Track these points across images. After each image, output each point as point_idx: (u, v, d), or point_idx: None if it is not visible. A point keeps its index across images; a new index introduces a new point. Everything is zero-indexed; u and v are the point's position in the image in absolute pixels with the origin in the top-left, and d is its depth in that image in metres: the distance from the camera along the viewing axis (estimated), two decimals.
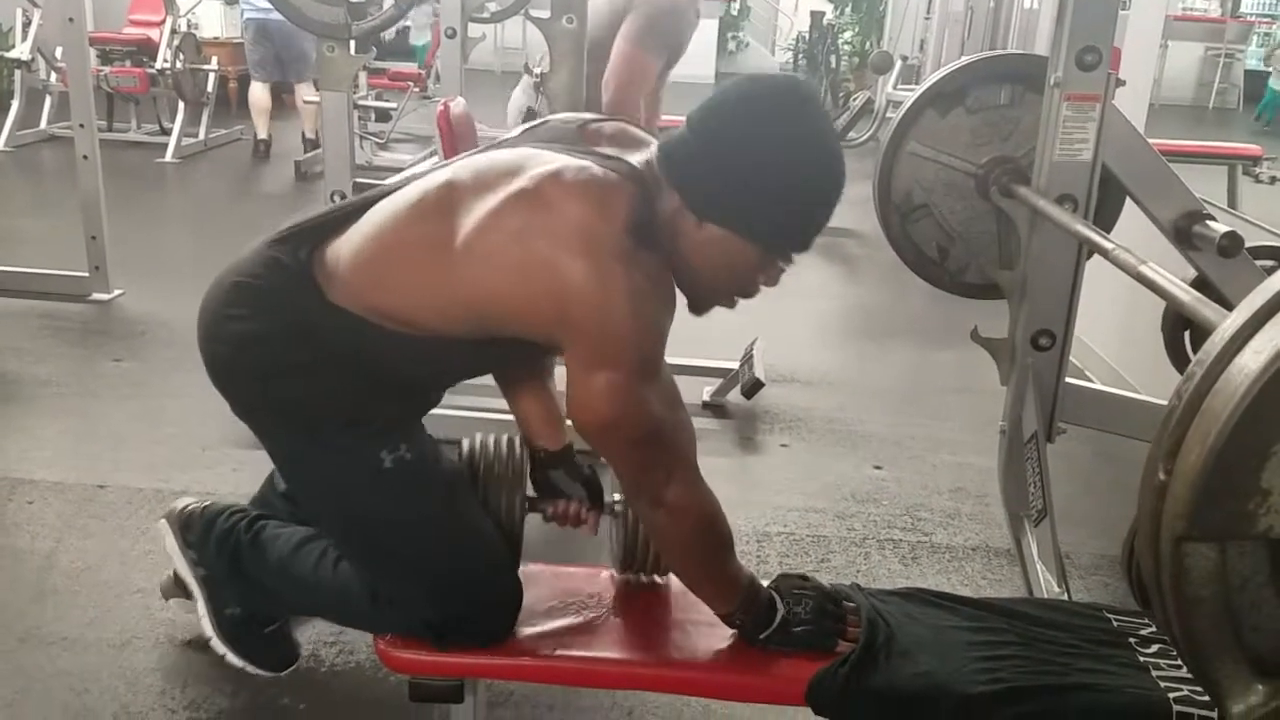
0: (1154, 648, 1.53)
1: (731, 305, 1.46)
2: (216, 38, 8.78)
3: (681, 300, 1.44)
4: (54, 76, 6.89)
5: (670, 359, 3.86)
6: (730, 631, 1.52)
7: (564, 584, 1.64)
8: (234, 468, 2.72)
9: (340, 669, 1.99)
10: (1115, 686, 1.44)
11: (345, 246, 1.44)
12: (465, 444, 1.62)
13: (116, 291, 4.03)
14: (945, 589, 2.00)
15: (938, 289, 2.56)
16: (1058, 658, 1.50)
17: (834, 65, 9.37)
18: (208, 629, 1.84)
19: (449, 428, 1.90)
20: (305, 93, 6.60)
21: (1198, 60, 12.94)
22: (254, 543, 1.75)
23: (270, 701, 1.89)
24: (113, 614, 2.13)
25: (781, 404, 3.39)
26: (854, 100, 7.41)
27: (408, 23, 9.23)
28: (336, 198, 2.74)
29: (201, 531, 1.83)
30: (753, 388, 3.25)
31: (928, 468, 3.03)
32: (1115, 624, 1.60)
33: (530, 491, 1.70)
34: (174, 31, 7.00)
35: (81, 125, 3.85)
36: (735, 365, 3.39)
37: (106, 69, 6.86)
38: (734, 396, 3.35)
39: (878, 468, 3.02)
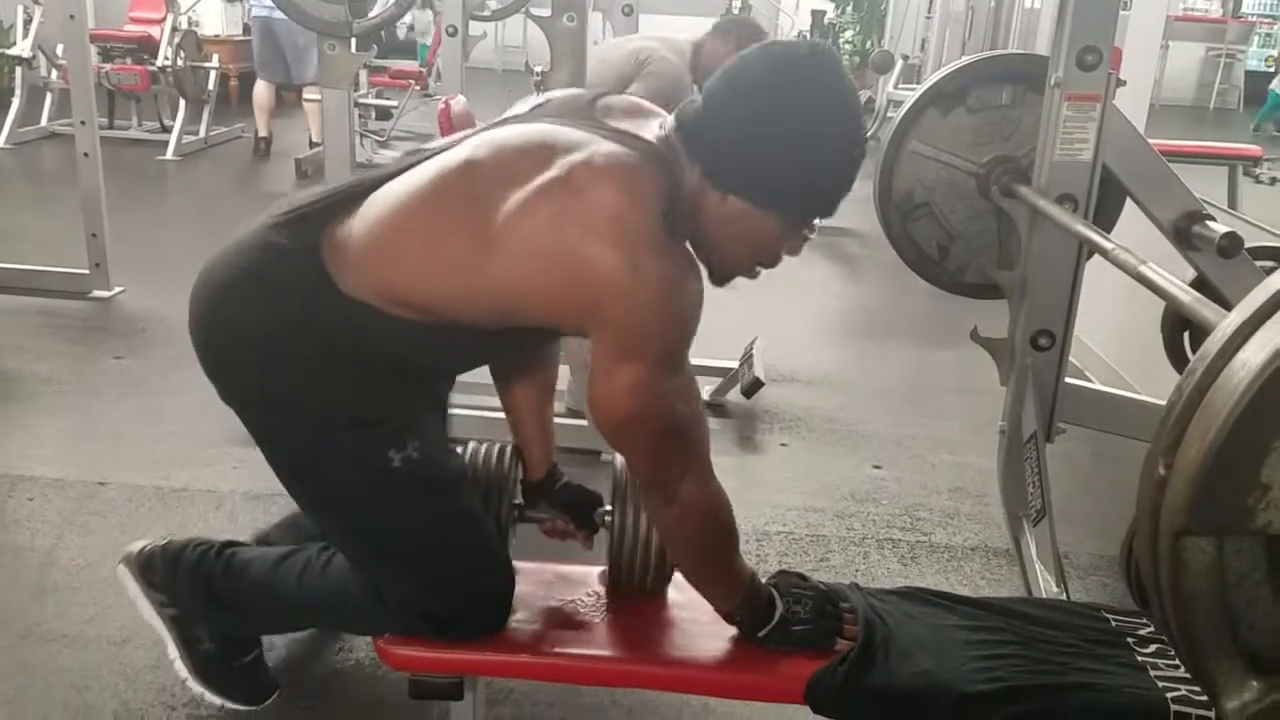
0: (1152, 648, 1.53)
1: (754, 275, 1.44)
2: (217, 35, 8.78)
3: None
4: (55, 74, 6.88)
5: None
6: (730, 630, 1.52)
7: (564, 582, 1.64)
8: (234, 465, 2.72)
9: (340, 666, 1.99)
10: (1113, 686, 1.44)
11: (356, 230, 1.38)
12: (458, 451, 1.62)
13: (117, 289, 4.03)
14: (944, 589, 2.00)
15: (937, 288, 2.56)
16: (1056, 657, 1.50)
17: None
18: (182, 670, 1.76)
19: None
20: (311, 93, 6.60)
21: (1199, 61, 12.94)
22: (227, 570, 1.69)
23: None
24: (113, 611, 2.13)
25: (781, 403, 3.40)
26: None
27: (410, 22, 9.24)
28: None
29: (167, 570, 1.74)
30: (752, 387, 3.25)
31: (927, 467, 3.03)
32: (1113, 624, 1.60)
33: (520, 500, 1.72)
34: (175, 29, 7.00)
35: (83, 122, 3.86)
36: (735, 364, 3.39)
37: (107, 66, 6.85)
38: (734, 396, 3.35)
39: (877, 467, 3.02)
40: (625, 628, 1.55)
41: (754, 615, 1.50)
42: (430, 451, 1.46)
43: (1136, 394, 2.30)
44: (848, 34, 11.65)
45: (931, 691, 1.43)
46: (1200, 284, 1.90)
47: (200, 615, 1.73)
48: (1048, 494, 2.04)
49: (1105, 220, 2.15)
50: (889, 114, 7.34)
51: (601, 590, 1.61)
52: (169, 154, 6.74)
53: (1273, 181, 6.13)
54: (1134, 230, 2.14)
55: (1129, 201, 2.16)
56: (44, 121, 7.01)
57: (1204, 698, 1.36)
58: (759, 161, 1.31)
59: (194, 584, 1.71)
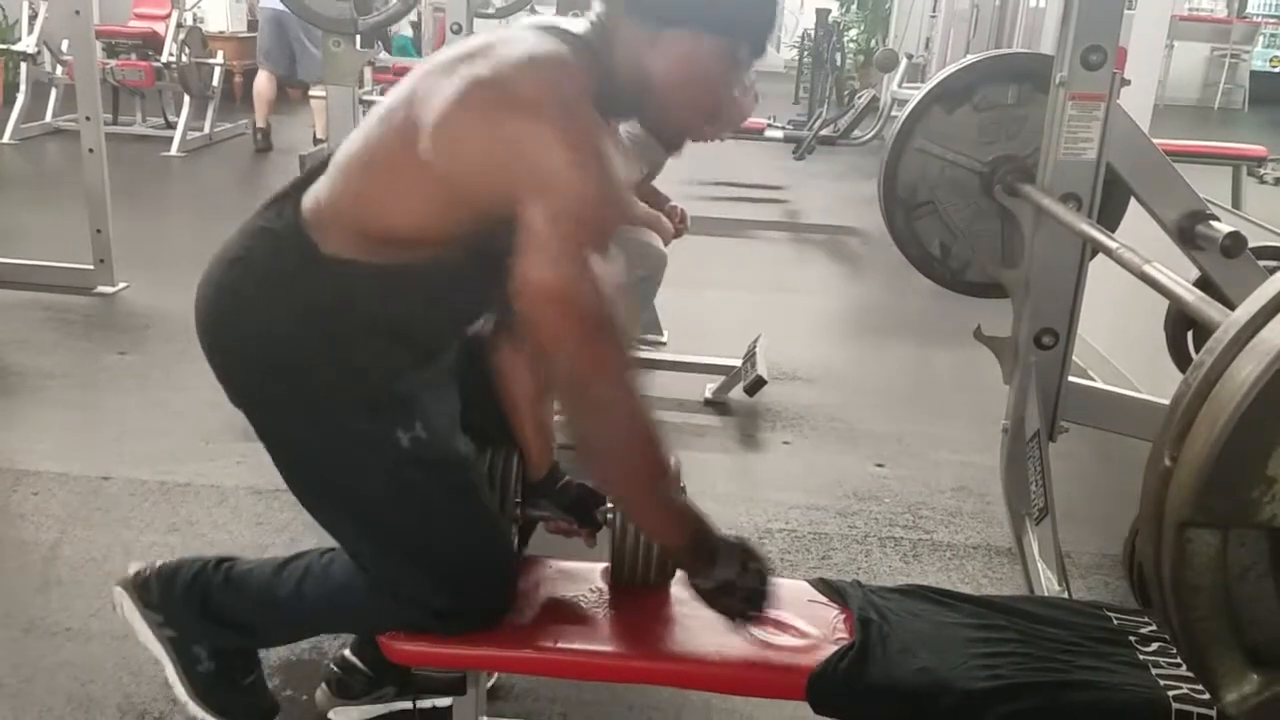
0: (1154, 646, 1.53)
1: (705, 136, 1.44)
2: (222, 32, 8.80)
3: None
4: (59, 69, 6.90)
5: (673, 356, 3.87)
6: (732, 625, 1.52)
7: (566, 578, 1.64)
8: (237, 460, 2.73)
9: None
10: (1115, 684, 1.44)
11: (326, 189, 1.40)
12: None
13: (121, 284, 4.04)
14: (946, 587, 2.00)
15: (939, 287, 2.56)
16: (1058, 655, 1.50)
17: (839, 63, 9.34)
18: (182, 694, 1.71)
19: None
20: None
21: (1203, 60, 12.92)
22: (226, 582, 1.66)
23: (273, 694, 1.89)
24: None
25: (784, 401, 3.40)
26: (859, 98, 7.40)
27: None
28: None
29: (162, 589, 1.70)
30: (755, 385, 3.25)
31: (929, 466, 3.03)
32: (1115, 622, 1.60)
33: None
34: (179, 25, 7.02)
35: (88, 118, 3.87)
36: (738, 362, 3.39)
37: (112, 62, 6.87)
38: (736, 394, 3.35)
39: (879, 465, 3.02)
40: (627, 624, 1.55)
41: (697, 563, 1.45)
42: (437, 432, 1.44)
43: (1139, 393, 2.29)
44: (852, 32, 11.64)
45: (933, 688, 1.43)
46: (1204, 283, 1.90)
47: (199, 633, 1.69)
48: (1050, 492, 2.04)
49: (1109, 220, 2.15)
50: (893, 113, 7.34)
51: (604, 586, 1.61)
52: (173, 150, 6.75)
53: (1277, 182, 6.13)
54: (1136, 230, 2.14)
55: (1131, 201, 2.17)
56: (48, 117, 7.02)
57: (1205, 696, 1.37)
58: None
59: (191, 599, 1.67)
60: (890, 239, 2.54)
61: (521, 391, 1.61)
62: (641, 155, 2.88)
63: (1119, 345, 3.56)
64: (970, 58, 2.41)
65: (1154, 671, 1.47)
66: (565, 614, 1.55)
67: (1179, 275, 1.50)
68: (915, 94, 2.36)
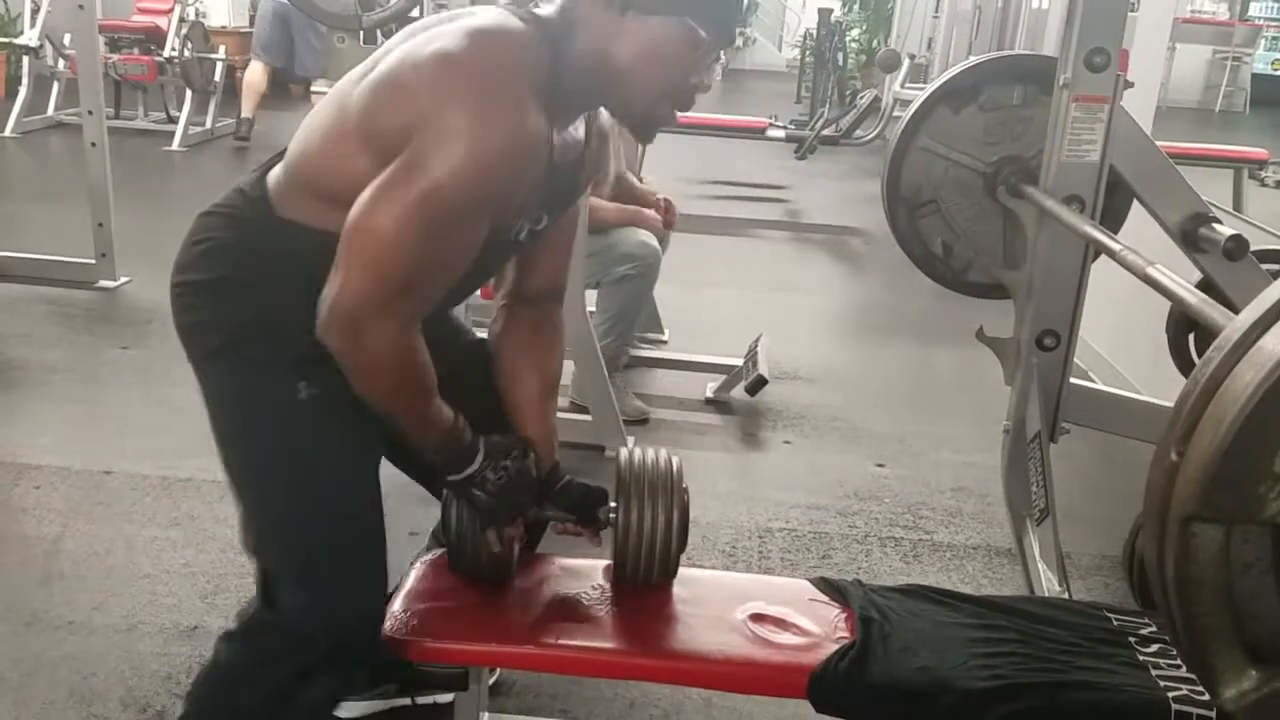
0: (1154, 647, 1.53)
1: (671, 118, 1.40)
2: (224, 26, 8.79)
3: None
4: (61, 63, 6.90)
5: (676, 355, 3.86)
6: (733, 623, 1.53)
7: (569, 575, 1.64)
8: None
9: None
10: (1115, 685, 1.44)
11: (286, 156, 1.42)
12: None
13: (123, 279, 4.04)
14: (946, 587, 2.01)
15: (940, 287, 2.56)
16: (1058, 655, 1.50)
17: (841, 63, 9.35)
18: None
19: None
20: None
21: (1205, 63, 12.93)
22: None
23: None
24: (119, 599, 2.15)
25: (784, 401, 3.40)
26: (861, 98, 7.41)
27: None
28: None
29: None
30: (757, 384, 3.26)
31: (930, 466, 3.04)
32: (1115, 623, 1.60)
33: None
34: (182, 20, 7.02)
35: (90, 112, 3.87)
36: (739, 362, 3.40)
37: (115, 56, 6.87)
38: (737, 393, 3.35)
39: (880, 465, 3.03)
40: (629, 621, 1.55)
41: (450, 459, 1.45)
42: (346, 398, 1.38)
43: (1141, 395, 2.30)
44: (854, 32, 11.64)
45: (934, 688, 1.44)
46: (1206, 286, 1.90)
47: None
48: (1051, 493, 2.05)
49: (1112, 222, 2.15)
50: (895, 113, 7.34)
51: (606, 583, 1.62)
52: (175, 145, 6.75)
53: (1278, 185, 6.14)
54: (1137, 233, 2.15)
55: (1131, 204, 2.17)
56: (50, 110, 7.02)
57: (1205, 697, 1.38)
58: None
59: None
60: (892, 239, 2.54)
61: (525, 392, 1.58)
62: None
63: (1120, 347, 3.57)
64: (977, 58, 2.41)
65: (1154, 672, 1.47)
66: (567, 611, 1.55)
67: (1181, 278, 1.51)
68: (918, 94, 2.36)
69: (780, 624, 1.56)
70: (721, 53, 1.39)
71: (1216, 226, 1.91)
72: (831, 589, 1.65)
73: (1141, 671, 1.48)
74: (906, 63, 7.74)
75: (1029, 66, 2.22)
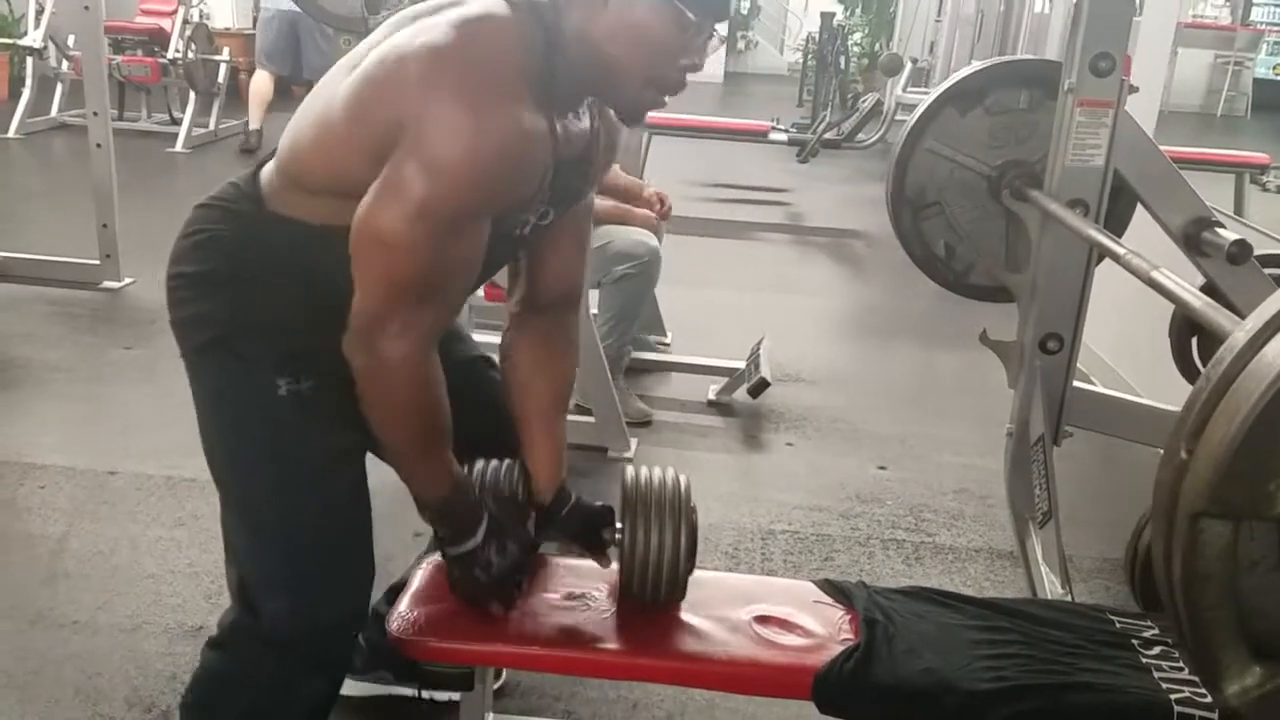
0: (1156, 650, 1.53)
1: (660, 101, 1.36)
2: (228, 28, 8.81)
3: None
4: (65, 64, 6.91)
5: (677, 357, 3.87)
6: (738, 625, 1.53)
7: (575, 576, 1.64)
8: None
9: None
10: (1118, 686, 1.45)
11: (278, 149, 1.41)
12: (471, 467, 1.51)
13: (127, 280, 4.05)
14: (948, 589, 2.01)
15: (941, 290, 2.56)
16: (1061, 657, 1.51)
17: (843, 66, 9.36)
18: None
19: None
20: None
21: (1207, 67, 12.94)
22: None
23: None
24: (123, 598, 2.16)
25: (787, 403, 3.41)
26: (863, 102, 7.41)
27: None
28: None
29: None
30: (759, 387, 3.26)
31: (932, 468, 3.04)
32: (1118, 626, 1.60)
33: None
34: (186, 21, 7.03)
35: (95, 114, 3.88)
36: (741, 364, 3.40)
37: (118, 58, 6.87)
38: (740, 395, 3.36)
39: (882, 468, 3.04)
40: (635, 622, 1.55)
41: (452, 528, 1.42)
42: (328, 400, 1.37)
43: (1143, 398, 2.30)
44: (856, 36, 11.67)
45: (938, 689, 1.44)
46: (1209, 290, 1.90)
47: None
48: (1054, 496, 2.05)
49: (1114, 226, 2.15)
50: (897, 117, 7.34)
51: (610, 585, 1.62)
52: (178, 146, 6.76)
53: (1279, 190, 6.14)
54: (1136, 238, 2.15)
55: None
56: (54, 112, 7.02)
57: (1207, 699, 1.38)
58: None
59: None
60: (893, 242, 2.55)
61: (535, 404, 1.55)
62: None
63: (1122, 352, 3.57)
64: (985, 61, 2.41)
65: (1156, 675, 1.47)
66: (573, 612, 1.55)
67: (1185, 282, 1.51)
68: (922, 97, 2.36)
69: (785, 625, 1.56)
70: (716, 31, 1.34)
71: (1220, 231, 1.92)
72: (836, 590, 1.65)
73: (1144, 674, 1.48)
74: (909, 67, 7.75)
75: (1036, 71, 2.22)
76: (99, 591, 2.17)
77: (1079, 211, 1.92)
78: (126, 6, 7.84)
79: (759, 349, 3.40)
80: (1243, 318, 1.05)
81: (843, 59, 9.31)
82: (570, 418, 2.57)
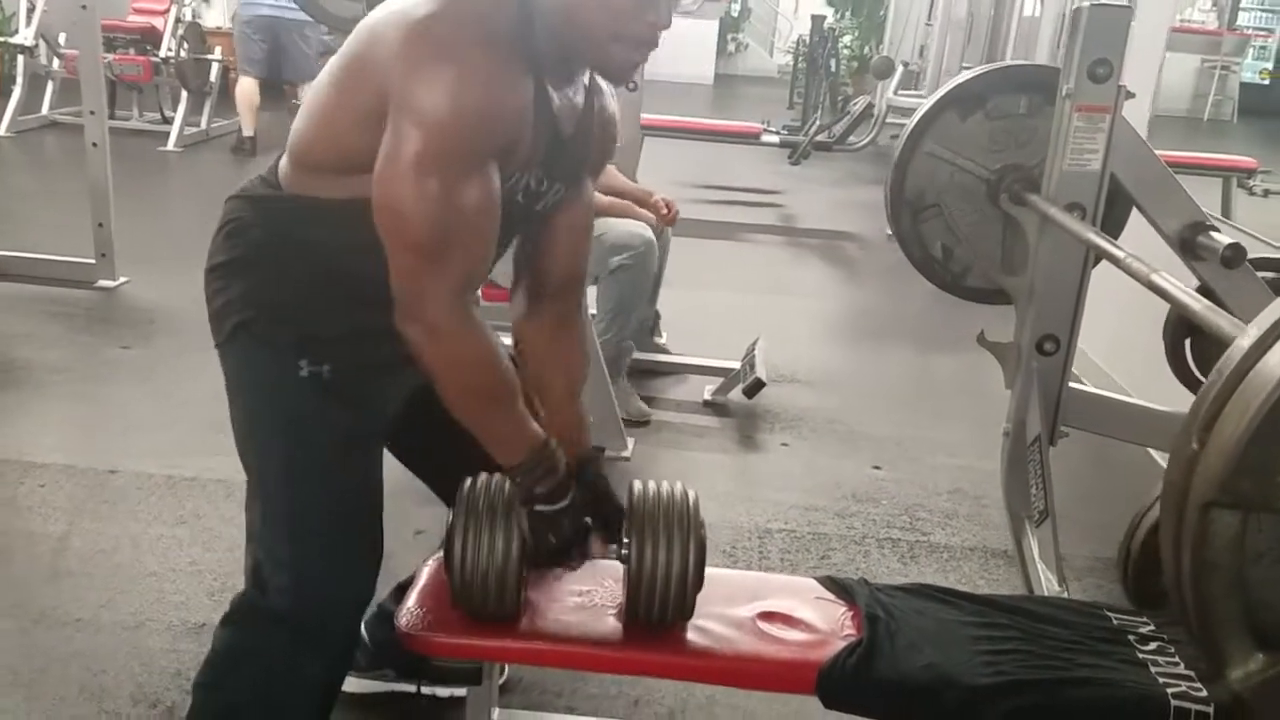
0: (1152, 645, 1.56)
1: (635, 58, 1.37)
2: (220, 28, 8.80)
3: None
4: (56, 62, 6.90)
5: (673, 358, 3.89)
6: (742, 621, 1.55)
7: (578, 572, 1.66)
8: None
9: None
10: (1115, 681, 1.47)
11: (289, 138, 1.45)
12: (466, 483, 1.49)
13: (122, 279, 4.05)
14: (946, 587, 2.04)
15: (936, 293, 2.59)
16: (1059, 653, 1.53)
17: (834, 69, 9.41)
18: None
19: None
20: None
21: (1194, 72, 13.02)
22: None
23: None
24: (126, 596, 2.17)
25: (782, 403, 3.44)
26: (854, 105, 7.46)
27: None
28: None
29: None
30: (754, 387, 3.29)
31: (926, 469, 3.07)
32: (1115, 622, 1.63)
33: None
34: (178, 20, 7.02)
35: (92, 112, 3.88)
36: (737, 364, 3.43)
37: (110, 56, 6.86)
38: (735, 395, 3.38)
39: (877, 468, 3.06)
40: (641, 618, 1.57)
41: (539, 488, 1.44)
42: (347, 384, 1.41)
43: (1138, 400, 2.33)
44: (847, 39, 11.71)
45: (939, 684, 1.46)
46: (1203, 294, 1.93)
47: None
48: (1051, 495, 2.08)
49: (1110, 231, 2.18)
50: (889, 119, 7.39)
51: (615, 581, 1.64)
52: (170, 145, 6.75)
53: (1266, 193, 6.20)
54: (1127, 241, 2.18)
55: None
56: (45, 110, 7.01)
57: (1202, 694, 1.41)
58: None
59: None
60: (885, 245, 2.58)
61: (552, 393, 1.57)
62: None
63: (1114, 355, 3.60)
64: (986, 66, 2.43)
65: (1153, 670, 1.50)
66: (579, 608, 1.57)
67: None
68: (913, 100, 2.38)
69: (788, 621, 1.58)
70: None
71: (1214, 235, 1.95)
72: (837, 587, 1.68)
73: (1141, 669, 1.50)
74: (899, 70, 7.79)
75: (1036, 76, 2.25)
76: (102, 589, 2.18)
77: (1076, 215, 1.95)
78: (118, 5, 7.83)
79: (754, 350, 3.42)
80: (1238, 319, 1.08)
81: (833, 62, 9.36)
82: None
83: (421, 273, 1.30)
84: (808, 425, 3.31)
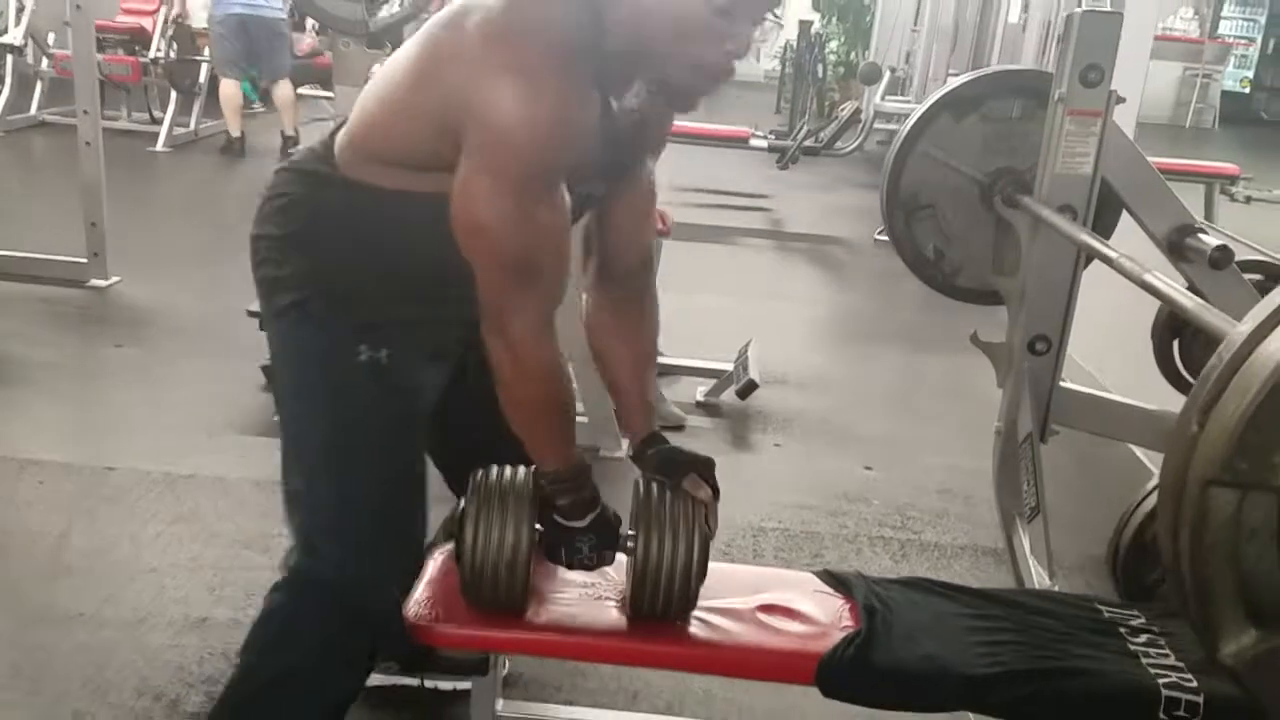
0: (1143, 638, 1.60)
1: (709, 88, 1.38)
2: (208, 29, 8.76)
3: None
4: (45, 62, 6.88)
5: (667, 360, 3.93)
6: (743, 613, 1.58)
7: None
8: (240, 454, 2.76)
9: None
10: (1107, 671, 1.51)
11: (351, 114, 1.46)
12: (478, 474, 1.52)
13: (114, 278, 4.05)
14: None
15: (926, 296, 2.61)
16: (1053, 644, 1.56)
17: (820, 74, 9.47)
18: None
19: None
20: (283, 90, 6.60)
21: (1176, 80, 13.17)
22: None
23: None
24: (127, 592, 2.18)
25: (775, 405, 3.47)
26: (841, 110, 7.51)
27: None
28: None
29: None
30: (747, 389, 3.32)
31: (917, 468, 3.11)
32: (1106, 615, 1.67)
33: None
34: (167, 21, 7.01)
35: (86, 112, 3.88)
36: (729, 366, 3.46)
37: (99, 56, 6.84)
38: (728, 397, 3.42)
39: (868, 468, 3.09)
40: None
41: (566, 502, 1.47)
42: (402, 371, 1.45)
43: (1126, 399, 2.37)
44: (833, 45, 11.77)
45: (936, 674, 1.49)
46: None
47: None
48: (1042, 492, 2.11)
49: (1100, 233, 2.22)
50: (877, 125, 7.44)
51: (617, 574, 1.66)
52: (159, 145, 6.74)
53: (1247, 200, 6.29)
54: (1127, 246, 2.22)
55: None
56: (34, 110, 7.00)
57: (1193, 684, 1.45)
58: None
59: None
60: (873, 249, 2.60)
61: (618, 366, 1.60)
62: None
63: (1102, 358, 3.65)
64: (982, 70, 2.46)
65: (1144, 660, 1.54)
66: (582, 600, 1.60)
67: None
68: (900, 106, 2.40)
69: (788, 613, 1.61)
70: (768, 17, 1.35)
71: (1203, 236, 1.99)
72: (835, 580, 1.71)
73: (1132, 659, 1.54)
74: (886, 75, 7.84)
75: (1031, 81, 2.28)
76: (102, 585, 2.19)
77: (1068, 217, 1.99)
78: (108, 5, 7.81)
79: (746, 352, 3.45)
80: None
81: (820, 67, 9.42)
82: None
83: (512, 291, 1.33)
84: (800, 426, 3.35)
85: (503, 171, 1.27)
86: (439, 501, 1.65)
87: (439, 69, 1.31)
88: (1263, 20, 14.56)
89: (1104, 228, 2.20)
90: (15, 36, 6.69)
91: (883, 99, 7.60)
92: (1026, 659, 1.53)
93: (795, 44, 9.72)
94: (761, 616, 1.60)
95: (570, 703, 1.96)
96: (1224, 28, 14.48)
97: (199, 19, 8.42)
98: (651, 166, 1.60)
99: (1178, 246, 1.99)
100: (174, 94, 6.94)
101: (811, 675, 1.50)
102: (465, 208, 1.29)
